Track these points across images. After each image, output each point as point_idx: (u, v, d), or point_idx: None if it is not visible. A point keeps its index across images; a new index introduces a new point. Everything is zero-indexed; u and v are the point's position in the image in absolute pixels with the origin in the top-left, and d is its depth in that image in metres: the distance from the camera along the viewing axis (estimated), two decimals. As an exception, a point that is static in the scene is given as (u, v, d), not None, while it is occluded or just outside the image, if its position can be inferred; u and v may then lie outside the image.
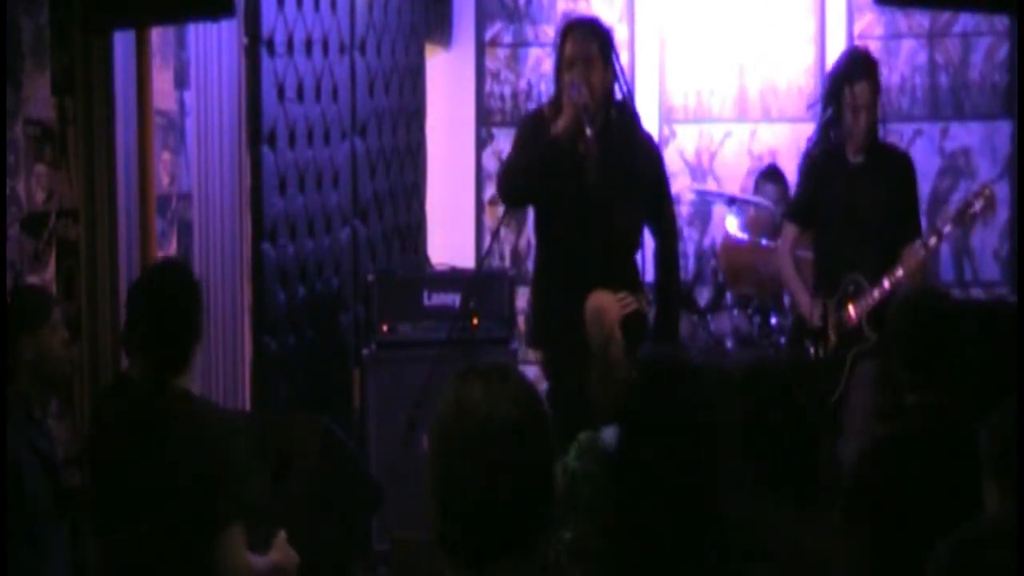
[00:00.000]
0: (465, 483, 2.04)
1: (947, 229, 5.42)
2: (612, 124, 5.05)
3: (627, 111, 5.16)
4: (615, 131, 5.05)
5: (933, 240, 5.42)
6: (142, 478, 3.55)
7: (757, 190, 7.33)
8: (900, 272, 5.36)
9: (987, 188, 5.39)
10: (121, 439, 3.63)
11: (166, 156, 4.97)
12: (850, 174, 5.58)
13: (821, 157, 5.80)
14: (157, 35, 4.84)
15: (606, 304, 5.09)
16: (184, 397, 3.61)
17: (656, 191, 5.19)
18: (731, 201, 7.12)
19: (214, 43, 5.21)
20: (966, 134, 7.66)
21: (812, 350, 5.58)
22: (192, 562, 3.53)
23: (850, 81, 5.55)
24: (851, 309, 5.45)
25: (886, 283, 5.37)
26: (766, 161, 7.67)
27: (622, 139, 5.07)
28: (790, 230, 5.88)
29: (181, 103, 5.08)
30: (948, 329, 3.75)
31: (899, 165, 5.68)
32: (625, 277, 5.14)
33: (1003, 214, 7.56)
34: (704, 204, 7.65)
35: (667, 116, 7.95)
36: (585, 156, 4.97)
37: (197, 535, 3.51)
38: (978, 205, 5.27)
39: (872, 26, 7.67)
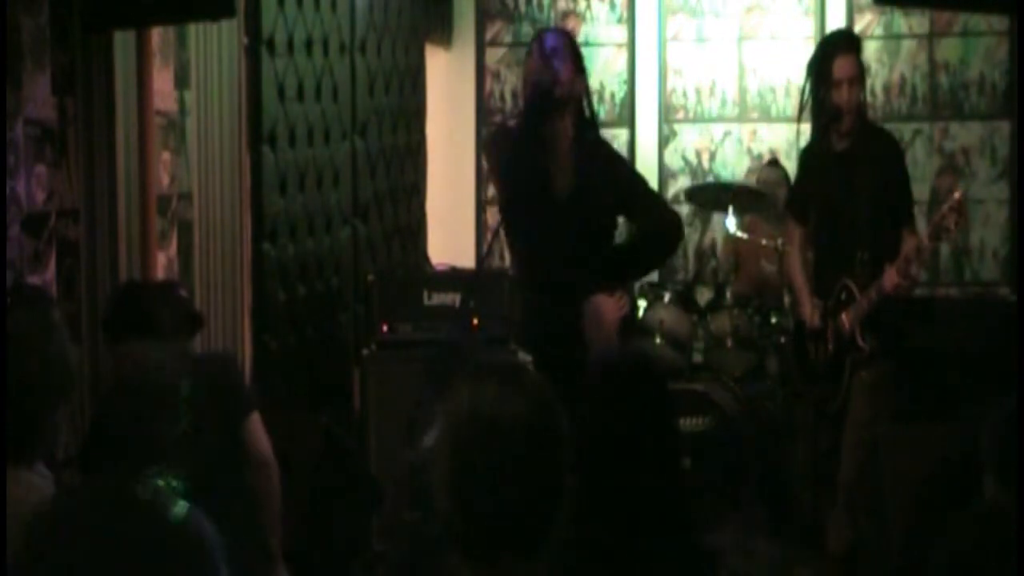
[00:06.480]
0: (478, 481, 2.06)
1: (924, 244, 5.24)
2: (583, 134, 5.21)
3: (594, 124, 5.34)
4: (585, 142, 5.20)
5: (912, 258, 5.21)
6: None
7: (759, 176, 7.33)
8: (884, 286, 5.25)
9: (954, 202, 5.08)
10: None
11: (166, 156, 4.97)
12: (837, 160, 5.48)
13: (812, 146, 5.73)
14: (157, 35, 4.84)
15: (606, 308, 5.14)
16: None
17: (628, 190, 5.29)
18: (727, 188, 7.10)
19: (214, 43, 5.22)
20: (966, 134, 7.67)
21: (812, 353, 5.57)
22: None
23: (831, 56, 5.46)
24: (844, 318, 5.40)
25: (873, 293, 5.27)
26: (766, 162, 7.67)
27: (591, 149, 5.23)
28: (793, 227, 5.85)
29: (181, 103, 5.08)
30: None
31: (885, 147, 5.55)
32: (605, 274, 5.26)
33: (1003, 214, 7.57)
34: (704, 203, 7.64)
35: (667, 116, 7.95)
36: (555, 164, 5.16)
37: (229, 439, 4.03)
38: (951, 220, 5.04)
39: (872, 26, 7.68)
